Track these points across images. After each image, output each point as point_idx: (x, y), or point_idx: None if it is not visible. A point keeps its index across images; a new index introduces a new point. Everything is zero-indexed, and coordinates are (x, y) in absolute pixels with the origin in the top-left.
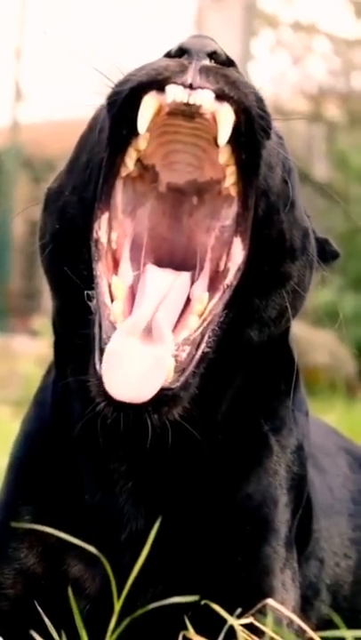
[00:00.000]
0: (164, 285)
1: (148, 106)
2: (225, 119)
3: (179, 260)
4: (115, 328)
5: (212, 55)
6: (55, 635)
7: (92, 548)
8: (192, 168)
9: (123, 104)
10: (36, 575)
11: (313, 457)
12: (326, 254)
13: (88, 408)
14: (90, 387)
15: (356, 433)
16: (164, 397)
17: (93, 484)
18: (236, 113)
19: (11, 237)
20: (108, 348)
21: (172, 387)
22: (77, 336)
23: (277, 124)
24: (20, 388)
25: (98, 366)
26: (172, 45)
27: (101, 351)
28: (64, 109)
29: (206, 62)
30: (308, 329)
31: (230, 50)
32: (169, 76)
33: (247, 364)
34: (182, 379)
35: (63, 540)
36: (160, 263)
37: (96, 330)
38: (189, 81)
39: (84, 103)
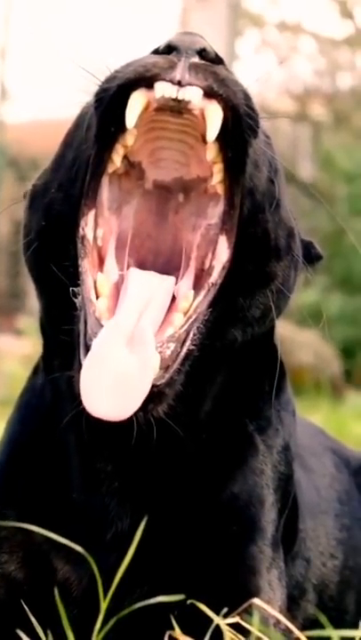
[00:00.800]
0: (148, 290)
1: (137, 102)
2: (213, 116)
3: (164, 258)
4: (101, 325)
5: (201, 52)
6: (42, 635)
7: (78, 547)
8: (178, 165)
9: (111, 101)
10: (17, 581)
11: (300, 457)
12: (311, 256)
13: (74, 405)
14: (74, 383)
15: (342, 433)
16: (149, 394)
17: (80, 484)
18: (224, 111)
19: None
20: (87, 363)
21: (158, 383)
22: (64, 333)
23: (264, 124)
24: (4, 387)
25: (83, 362)
26: (160, 42)
27: (86, 347)
28: (49, 109)
29: (195, 59)
30: (293, 329)
31: (215, 49)
32: (158, 72)
33: (231, 363)
34: (167, 375)
35: (48, 544)
36: (145, 261)
37: (81, 326)
38: (178, 78)
39: (69, 103)
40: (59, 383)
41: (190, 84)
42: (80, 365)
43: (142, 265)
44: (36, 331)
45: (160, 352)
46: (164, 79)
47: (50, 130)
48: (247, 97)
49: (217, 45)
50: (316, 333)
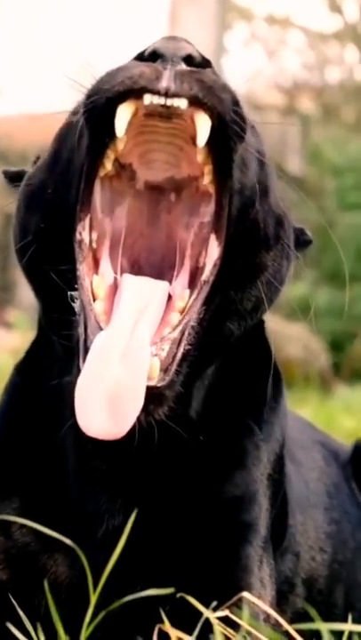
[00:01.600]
0: (143, 296)
1: (125, 113)
2: (201, 124)
3: (158, 256)
4: (100, 328)
5: (187, 58)
6: (32, 631)
7: (67, 540)
8: (169, 166)
9: (100, 113)
10: (1, 581)
11: (289, 451)
12: (301, 242)
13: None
14: (72, 389)
15: (331, 426)
16: (150, 396)
17: (74, 482)
18: (211, 119)
19: None
20: (81, 381)
21: (159, 385)
22: (64, 337)
23: (251, 116)
24: None
25: (82, 368)
26: (145, 46)
27: (86, 352)
28: (37, 102)
29: (182, 67)
30: (282, 322)
31: (204, 44)
32: (145, 85)
33: (227, 360)
34: (168, 378)
35: (37, 544)
36: (139, 259)
37: (81, 330)
38: (164, 89)
39: (58, 96)
40: (59, 387)
41: (177, 95)
42: (79, 371)
43: (136, 263)
44: (26, 324)
45: (156, 354)
46: (151, 91)
47: (38, 123)
48: (235, 102)
49: (206, 39)
50: (305, 327)
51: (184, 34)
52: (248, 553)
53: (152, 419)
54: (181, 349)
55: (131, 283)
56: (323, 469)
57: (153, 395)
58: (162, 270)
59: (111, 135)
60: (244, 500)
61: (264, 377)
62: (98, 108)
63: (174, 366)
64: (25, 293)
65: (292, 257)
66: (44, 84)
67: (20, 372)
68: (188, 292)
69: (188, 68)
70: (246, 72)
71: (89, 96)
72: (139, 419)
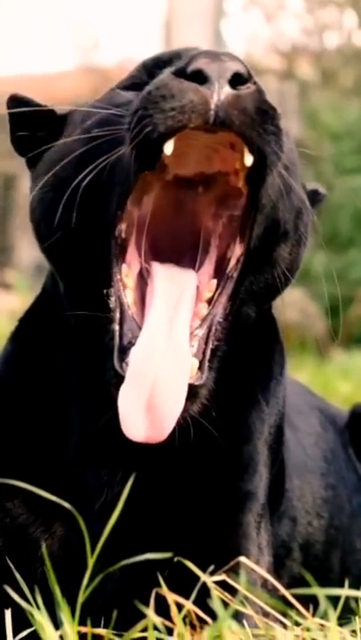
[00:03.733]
0: (174, 291)
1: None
2: (245, 154)
3: (180, 241)
4: (138, 327)
5: (233, 79)
6: (30, 597)
7: (66, 504)
8: (201, 163)
9: (150, 144)
10: None
11: (287, 416)
12: (316, 202)
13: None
14: (110, 387)
15: (327, 391)
16: (188, 394)
17: (75, 455)
18: (251, 152)
19: None
20: (125, 387)
21: (196, 384)
22: (95, 332)
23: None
24: None
25: (117, 366)
26: (185, 60)
27: (122, 350)
28: (35, 63)
29: (228, 90)
30: None
31: (204, 8)
32: (199, 124)
33: (245, 343)
34: (204, 375)
35: (29, 517)
36: (161, 244)
37: (115, 327)
38: (213, 116)
39: (54, 57)
40: (60, 363)
41: (223, 123)
42: (115, 373)
43: (158, 247)
44: (26, 285)
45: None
46: (199, 124)
47: (36, 84)
48: (275, 131)
49: (205, 3)
50: (302, 291)
51: None
52: (247, 519)
53: (188, 415)
54: (210, 345)
55: (161, 275)
56: (320, 435)
57: (190, 392)
58: (183, 254)
59: (158, 153)
60: (246, 471)
61: (270, 350)
62: (148, 141)
63: (206, 362)
64: (23, 255)
65: (307, 244)
66: (43, 44)
67: (16, 340)
68: (215, 282)
69: (233, 92)
70: (245, 36)
71: (136, 129)
72: None
